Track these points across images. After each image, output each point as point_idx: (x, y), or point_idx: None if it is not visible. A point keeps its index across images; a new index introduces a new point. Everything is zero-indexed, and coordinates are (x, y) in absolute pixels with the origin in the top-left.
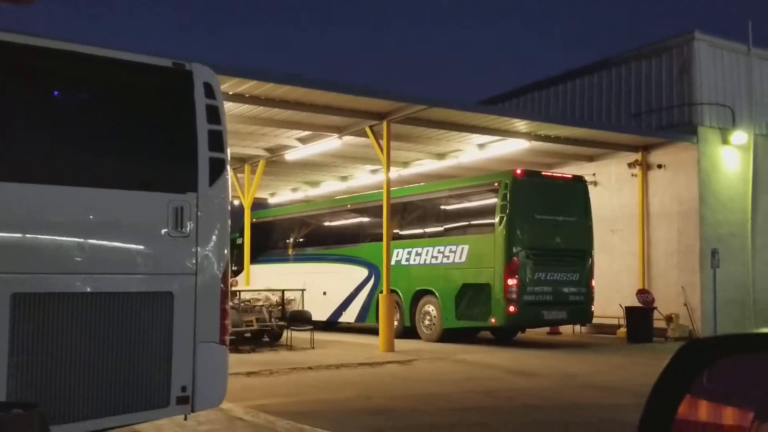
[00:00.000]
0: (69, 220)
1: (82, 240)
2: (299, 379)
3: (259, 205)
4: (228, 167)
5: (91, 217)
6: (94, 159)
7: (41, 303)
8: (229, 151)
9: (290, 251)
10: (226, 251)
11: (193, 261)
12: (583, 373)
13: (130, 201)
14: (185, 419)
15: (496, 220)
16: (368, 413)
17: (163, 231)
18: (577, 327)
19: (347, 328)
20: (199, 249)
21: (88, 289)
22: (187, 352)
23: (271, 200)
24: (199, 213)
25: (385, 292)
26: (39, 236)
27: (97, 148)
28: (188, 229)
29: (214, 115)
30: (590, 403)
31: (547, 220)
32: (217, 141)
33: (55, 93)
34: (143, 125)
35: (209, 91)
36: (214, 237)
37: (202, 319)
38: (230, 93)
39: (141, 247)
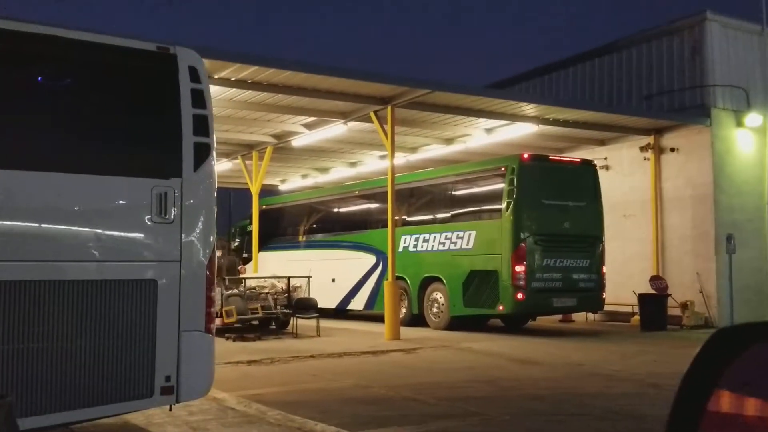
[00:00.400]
0: (49, 206)
1: (62, 226)
2: (299, 368)
3: (271, 191)
4: (213, 152)
5: (72, 203)
6: (76, 144)
7: (19, 291)
8: (215, 135)
9: (299, 238)
10: (212, 238)
11: (178, 248)
12: (590, 362)
13: (113, 186)
14: (170, 409)
15: (503, 205)
16: (363, 403)
17: (147, 217)
18: (591, 315)
19: (358, 316)
20: (183, 236)
21: (68, 277)
22: (171, 341)
23: (282, 187)
24: (183, 199)
25: (390, 279)
26: (18, 223)
27: (78, 133)
28: (172, 215)
29: (200, 99)
30: (594, 393)
31: (556, 205)
32: (202, 125)
33: (39, 78)
34: (126, 110)
35: (194, 74)
36: (199, 223)
37: (186, 308)
38: (232, 79)
39: (123, 233)
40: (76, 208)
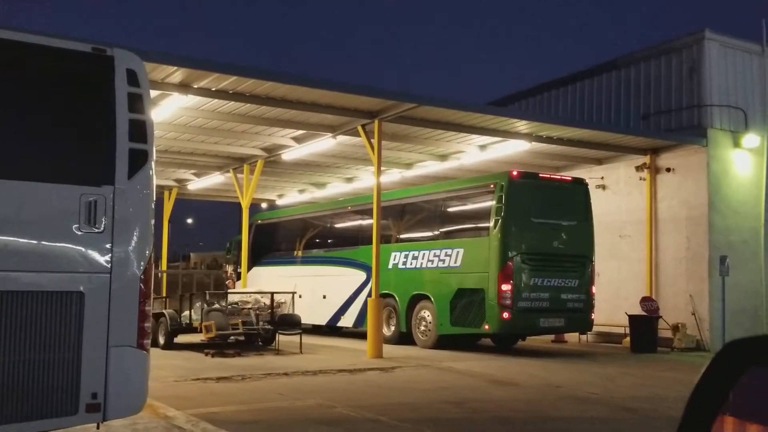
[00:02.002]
0: None
1: None
2: (268, 386)
3: (271, 207)
4: (152, 160)
5: None
6: None
7: None
8: (154, 142)
9: (291, 253)
10: (147, 250)
11: (108, 259)
12: (569, 384)
13: (37, 193)
14: (98, 428)
15: (491, 223)
16: (321, 423)
17: (74, 226)
18: (584, 336)
19: (351, 333)
20: (114, 246)
21: None
22: (99, 356)
23: (279, 202)
24: (116, 208)
25: (373, 296)
26: None
27: (1, 137)
28: (102, 224)
29: (137, 103)
30: (563, 417)
31: (545, 223)
32: (139, 131)
33: None
34: (55, 113)
35: (132, 78)
36: (133, 234)
37: (116, 322)
38: (212, 89)
39: (48, 242)
40: None
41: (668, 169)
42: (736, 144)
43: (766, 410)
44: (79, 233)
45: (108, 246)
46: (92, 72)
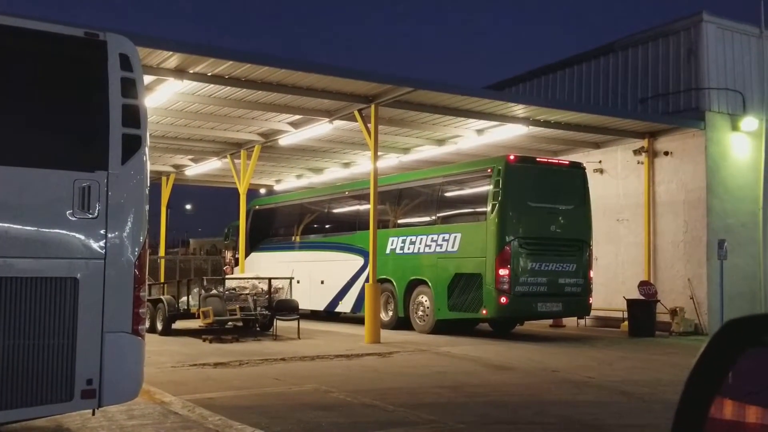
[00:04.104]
0: None
1: None
2: (265, 371)
3: (269, 193)
4: (145, 146)
5: None
6: None
7: None
8: (147, 127)
9: (290, 239)
10: (142, 236)
11: (102, 245)
12: (566, 368)
13: (31, 179)
14: (93, 414)
15: (489, 207)
16: (317, 408)
17: (68, 212)
18: (582, 320)
19: (349, 318)
20: (109, 232)
21: None
22: (94, 342)
23: (277, 187)
24: (109, 193)
25: (371, 281)
26: None
27: None
28: (96, 210)
29: (131, 88)
30: (560, 401)
31: (542, 208)
32: (132, 116)
33: None
34: (48, 98)
35: (125, 62)
36: (127, 219)
37: (111, 308)
38: (208, 74)
39: (42, 228)
40: None
41: (666, 153)
42: (735, 127)
43: (766, 392)
44: (73, 219)
45: (102, 232)
46: (85, 57)
